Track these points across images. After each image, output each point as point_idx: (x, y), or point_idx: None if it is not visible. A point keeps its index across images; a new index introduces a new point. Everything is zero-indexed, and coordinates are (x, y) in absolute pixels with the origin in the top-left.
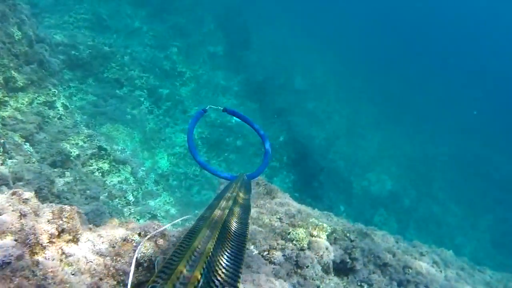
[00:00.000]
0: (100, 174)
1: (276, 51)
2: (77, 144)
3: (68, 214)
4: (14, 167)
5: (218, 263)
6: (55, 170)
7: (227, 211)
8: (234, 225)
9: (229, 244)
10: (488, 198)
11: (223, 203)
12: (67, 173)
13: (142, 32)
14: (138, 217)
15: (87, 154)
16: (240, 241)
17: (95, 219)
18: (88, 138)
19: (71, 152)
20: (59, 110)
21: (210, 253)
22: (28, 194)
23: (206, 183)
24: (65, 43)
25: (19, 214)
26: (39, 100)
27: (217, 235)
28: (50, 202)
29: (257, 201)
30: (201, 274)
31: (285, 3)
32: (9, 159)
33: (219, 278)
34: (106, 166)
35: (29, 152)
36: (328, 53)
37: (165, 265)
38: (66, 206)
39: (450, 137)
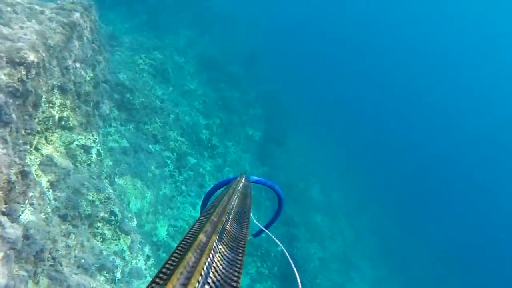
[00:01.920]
0: (101, 240)
1: (305, 156)
2: (93, 202)
3: None
4: (29, 217)
5: (218, 264)
6: (62, 226)
7: (227, 212)
8: (234, 226)
9: (230, 245)
10: None
11: (222, 206)
12: (72, 235)
13: (195, 94)
14: None
15: (97, 216)
16: (240, 244)
17: None
18: (106, 200)
19: (85, 210)
20: (92, 156)
21: (210, 254)
22: None
23: None
24: (125, 85)
25: None
26: (78, 142)
27: (218, 234)
28: (44, 265)
29: None
30: (201, 275)
31: (324, 117)
32: (29, 205)
33: (219, 279)
34: (109, 233)
35: (47, 202)
36: (350, 175)
37: (165, 266)
38: None
39: None
